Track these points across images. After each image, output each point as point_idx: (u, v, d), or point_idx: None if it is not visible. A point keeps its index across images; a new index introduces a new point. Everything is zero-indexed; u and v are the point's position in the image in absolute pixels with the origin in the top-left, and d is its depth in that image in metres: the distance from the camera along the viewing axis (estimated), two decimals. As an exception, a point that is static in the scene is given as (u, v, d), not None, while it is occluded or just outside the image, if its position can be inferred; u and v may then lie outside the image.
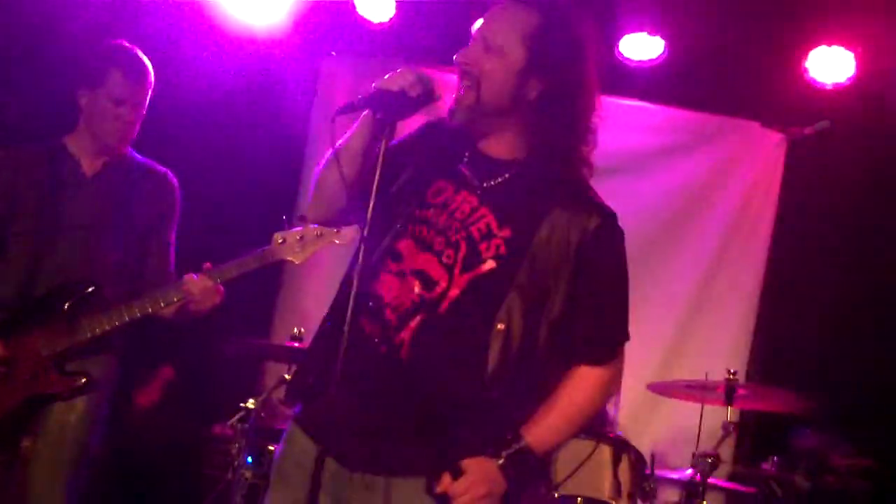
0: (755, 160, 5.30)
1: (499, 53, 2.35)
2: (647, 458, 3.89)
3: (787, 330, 5.07)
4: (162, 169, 3.76)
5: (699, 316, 5.26)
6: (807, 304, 5.03)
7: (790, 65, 5.02)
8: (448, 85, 5.57)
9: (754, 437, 5.01)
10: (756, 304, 5.21)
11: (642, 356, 5.13)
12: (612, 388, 2.47)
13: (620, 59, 5.11)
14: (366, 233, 2.22)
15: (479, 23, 2.43)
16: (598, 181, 5.20)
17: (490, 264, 2.33)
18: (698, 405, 4.26)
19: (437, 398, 2.31)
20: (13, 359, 3.42)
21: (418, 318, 2.32)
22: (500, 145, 2.43)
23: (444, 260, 2.34)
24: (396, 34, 5.17)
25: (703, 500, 3.88)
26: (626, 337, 2.44)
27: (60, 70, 3.84)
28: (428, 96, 2.34)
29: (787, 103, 5.16)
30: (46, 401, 3.45)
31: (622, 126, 5.34)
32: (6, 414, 3.42)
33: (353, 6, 5.14)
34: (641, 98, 5.33)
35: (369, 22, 5.15)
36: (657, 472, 3.97)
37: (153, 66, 3.67)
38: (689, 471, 4.02)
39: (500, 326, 2.32)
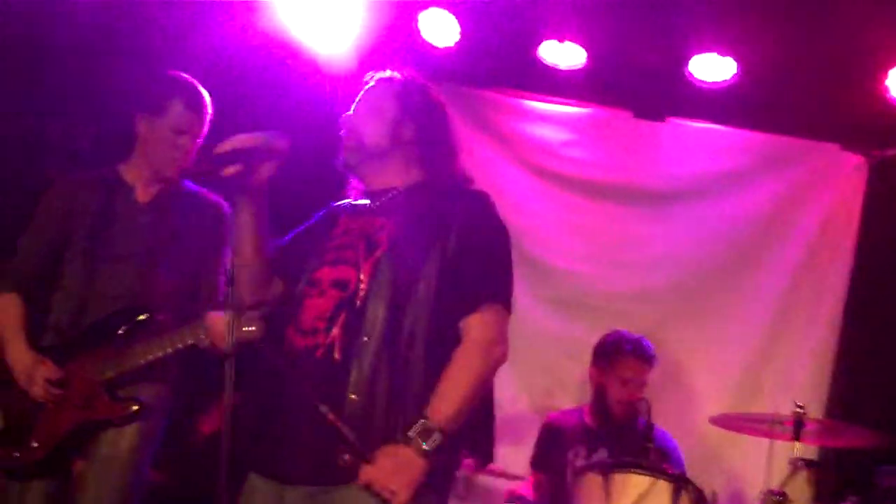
0: (834, 184, 5.12)
1: (377, 109, 2.87)
2: (709, 496, 3.73)
3: (868, 363, 4.87)
4: (215, 198, 3.78)
5: (775, 347, 5.07)
6: (890, 336, 4.82)
7: (870, 84, 4.82)
8: (508, 109, 5.53)
9: (835, 475, 4.79)
10: (836, 336, 5.01)
11: (715, 387, 4.99)
12: (497, 347, 2.69)
13: (690, 80, 4.99)
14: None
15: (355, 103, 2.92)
16: (668, 205, 5.17)
17: (383, 248, 2.71)
18: (768, 440, 4.08)
19: (372, 387, 2.59)
20: (67, 383, 3.46)
21: (342, 315, 2.65)
22: (386, 178, 2.86)
23: (349, 260, 2.72)
24: (460, 59, 5.13)
25: (769, 540, 3.71)
26: (502, 290, 2.75)
27: (121, 99, 3.89)
28: (269, 148, 2.65)
29: (867, 124, 4.98)
30: (98, 426, 3.48)
31: (693, 149, 5.23)
32: (59, 437, 3.46)
33: (418, 31, 5.11)
34: (713, 120, 5.20)
35: (434, 47, 5.11)
36: (721, 511, 3.81)
37: (215, 94, 3.70)
38: (756, 510, 3.85)
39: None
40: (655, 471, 3.68)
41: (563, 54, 5.02)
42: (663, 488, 3.64)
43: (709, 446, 4.83)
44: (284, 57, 5.04)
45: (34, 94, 4.92)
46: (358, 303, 2.64)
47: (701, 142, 5.22)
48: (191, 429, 4.77)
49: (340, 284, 2.69)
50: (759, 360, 5.06)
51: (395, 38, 5.16)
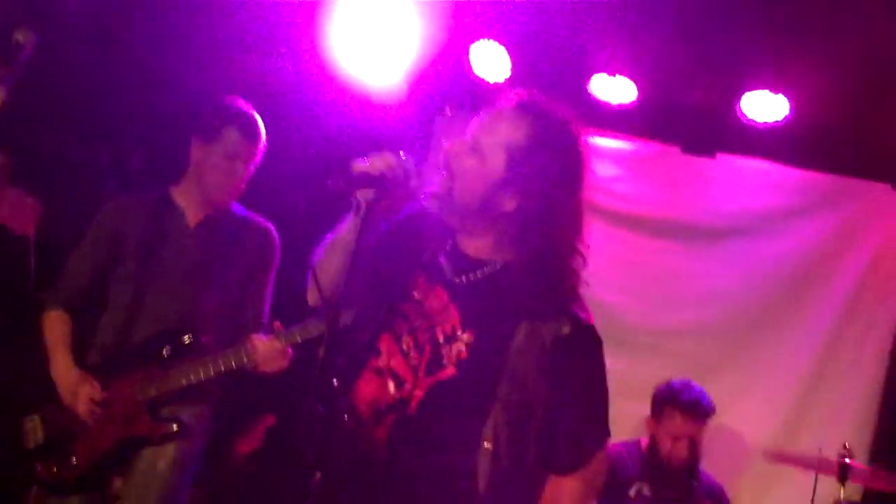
0: (885, 224, 5.04)
1: (480, 157, 2.34)
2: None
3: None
4: (264, 223, 3.81)
5: (821, 386, 4.97)
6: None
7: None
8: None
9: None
10: (883, 375, 4.91)
11: (760, 425, 4.91)
12: (589, 495, 2.39)
13: (741, 117, 4.95)
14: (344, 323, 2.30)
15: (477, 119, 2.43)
16: (716, 242, 5.12)
17: (450, 371, 2.34)
18: (811, 482, 4.00)
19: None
20: (110, 401, 3.49)
21: (392, 416, 2.34)
22: (479, 245, 2.41)
23: (411, 361, 2.37)
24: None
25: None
26: (602, 445, 2.40)
27: (173, 122, 3.95)
28: (406, 179, 2.37)
29: (919, 164, 4.91)
30: (138, 444, 3.50)
31: (742, 186, 5.19)
32: (100, 454, 3.50)
33: (469, 65, 5.13)
34: (763, 157, 5.14)
35: (484, 80, 5.13)
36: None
37: (269, 122, 3.74)
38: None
39: (487, 445, 2.29)
40: (697, 508, 3.64)
41: (613, 89, 5.02)
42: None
43: (754, 484, 4.75)
44: (335, 87, 5.09)
45: (85, 117, 5.01)
46: (408, 413, 2.34)
47: (750, 178, 5.17)
48: (229, 450, 4.80)
49: (395, 377, 2.38)
50: (805, 399, 4.97)
51: (445, 70, 5.21)
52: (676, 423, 4.26)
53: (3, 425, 3.66)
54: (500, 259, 2.39)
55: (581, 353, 2.35)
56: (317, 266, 2.46)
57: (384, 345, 2.39)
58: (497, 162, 2.34)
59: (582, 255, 2.38)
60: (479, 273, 2.39)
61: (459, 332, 2.34)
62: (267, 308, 3.76)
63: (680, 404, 4.26)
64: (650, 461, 4.39)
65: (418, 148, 5.40)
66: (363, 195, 2.30)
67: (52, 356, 3.58)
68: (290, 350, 3.49)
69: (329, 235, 2.48)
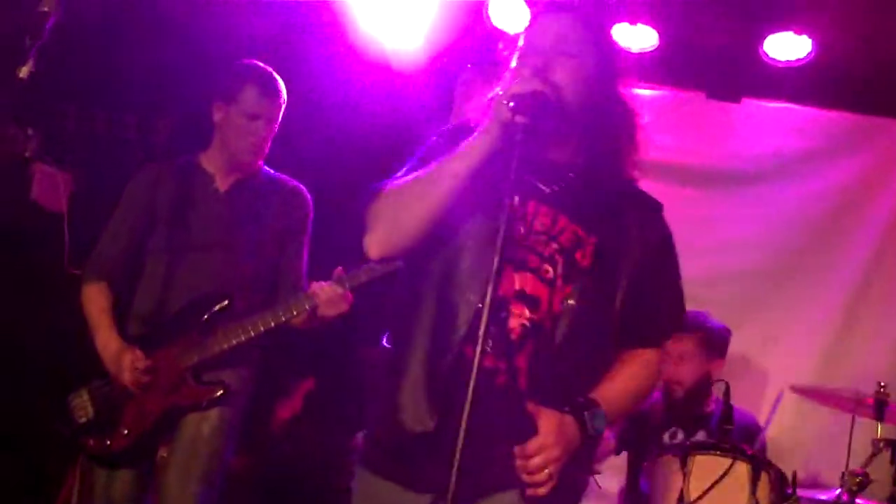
0: (912, 162, 5.01)
1: (580, 66, 2.36)
2: (790, 477, 3.69)
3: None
4: (293, 183, 3.82)
5: (853, 328, 4.97)
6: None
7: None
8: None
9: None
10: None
11: (793, 365, 4.92)
12: (658, 373, 2.50)
13: (765, 59, 4.92)
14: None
15: (531, 29, 2.45)
16: (743, 187, 5.10)
17: (590, 278, 2.35)
18: (848, 420, 4.02)
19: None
20: (154, 370, 3.52)
21: (530, 344, 2.29)
22: (563, 150, 2.42)
23: (543, 276, 2.32)
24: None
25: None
26: (682, 324, 2.56)
27: (197, 90, 3.96)
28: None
29: (948, 101, 4.87)
30: (184, 411, 3.54)
31: (768, 130, 5.17)
32: (148, 423, 3.53)
33: (489, 19, 5.12)
34: (788, 100, 5.11)
35: (503, 32, 5.11)
36: (801, 492, 3.75)
37: (291, 86, 3.74)
38: (837, 490, 3.79)
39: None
40: (734, 452, 3.65)
41: (635, 37, 4.99)
42: (742, 469, 3.60)
43: (789, 426, 4.76)
44: (354, 49, 5.08)
45: (108, 90, 5.03)
46: (548, 331, 2.30)
47: (776, 122, 5.14)
48: (269, 414, 4.86)
49: (529, 301, 2.30)
50: (838, 342, 4.97)
51: (465, 26, 5.18)
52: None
53: (49, 403, 3.71)
54: (579, 161, 2.42)
55: (670, 240, 2.49)
56: (395, 209, 2.36)
57: (505, 277, 2.27)
58: (590, 60, 2.38)
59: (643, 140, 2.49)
60: (567, 178, 2.40)
61: (584, 237, 2.35)
62: (304, 267, 3.77)
63: None
64: (668, 400, 4.43)
65: (440, 105, 5.40)
66: (520, 119, 2.21)
67: (95, 329, 3.62)
68: (349, 295, 3.53)
69: (412, 174, 2.37)
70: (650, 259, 2.40)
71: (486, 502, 2.28)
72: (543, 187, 2.38)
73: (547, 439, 2.19)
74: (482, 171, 2.30)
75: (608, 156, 2.41)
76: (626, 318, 2.38)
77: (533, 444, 2.19)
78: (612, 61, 2.45)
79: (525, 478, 2.20)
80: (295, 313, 3.52)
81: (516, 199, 2.29)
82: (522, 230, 2.34)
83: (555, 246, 2.33)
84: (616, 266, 2.36)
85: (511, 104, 2.21)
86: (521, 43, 2.45)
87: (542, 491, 2.19)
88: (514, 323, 2.29)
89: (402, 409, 2.32)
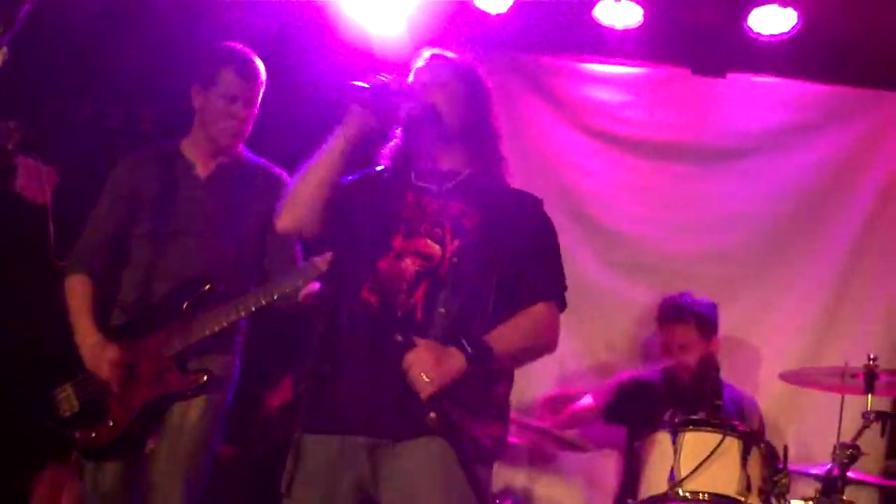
0: (902, 133, 4.98)
1: (453, 92, 2.93)
2: (780, 451, 3.68)
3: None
4: (276, 169, 3.80)
5: (845, 301, 4.93)
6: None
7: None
8: (565, 73, 5.44)
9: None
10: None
11: (784, 343, 4.91)
12: (553, 331, 2.88)
13: (750, 33, 4.89)
14: None
15: (418, 67, 3.03)
16: (731, 163, 5.08)
17: (471, 237, 2.81)
18: (839, 395, 4.00)
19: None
20: (136, 362, 3.51)
21: (424, 283, 2.76)
22: (448, 160, 2.95)
23: (436, 237, 2.81)
24: (515, 24, 5.08)
25: (842, 494, 3.64)
26: (559, 288, 2.91)
27: (179, 78, 3.93)
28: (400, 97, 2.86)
29: (935, 71, 4.83)
30: (171, 400, 3.52)
31: (755, 104, 5.14)
32: (134, 413, 3.51)
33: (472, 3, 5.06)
34: (774, 74, 5.08)
35: (486, 14, 5.07)
36: (792, 466, 3.73)
37: (270, 70, 3.72)
38: (829, 464, 3.77)
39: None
40: (724, 427, 3.65)
41: (619, 13, 4.96)
42: (733, 445, 3.60)
43: (780, 402, 4.75)
44: (334, 31, 5.04)
45: (94, 81, 4.99)
46: (441, 275, 2.76)
47: (762, 96, 5.11)
48: (259, 402, 4.83)
49: (423, 255, 2.79)
50: (830, 315, 4.94)
51: (447, 7, 5.14)
52: (669, 331, 4.42)
53: (34, 397, 3.69)
54: (462, 170, 2.94)
55: (543, 219, 2.96)
56: (294, 189, 2.94)
57: (396, 243, 2.81)
58: (462, 89, 2.95)
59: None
60: (457, 179, 2.93)
61: (467, 213, 2.84)
62: (294, 251, 3.71)
63: (667, 314, 4.44)
64: (668, 380, 4.44)
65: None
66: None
67: (74, 323, 3.60)
68: None
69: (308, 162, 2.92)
70: (527, 239, 2.88)
71: (408, 445, 2.66)
72: (434, 188, 2.91)
73: (419, 350, 2.64)
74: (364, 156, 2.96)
75: (487, 164, 2.96)
76: (505, 283, 2.81)
77: (409, 356, 2.63)
78: (479, 91, 2.99)
79: (412, 386, 2.62)
80: (301, 282, 3.50)
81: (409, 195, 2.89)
82: (416, 211, 2.86)
83: (445, 216, 2.84)
84: (496, 237, 2.82)
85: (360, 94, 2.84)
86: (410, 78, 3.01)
87: (426, 393, 2.61)
88: (409, 270, 2.77)
89: (312, 363, 2.79)
